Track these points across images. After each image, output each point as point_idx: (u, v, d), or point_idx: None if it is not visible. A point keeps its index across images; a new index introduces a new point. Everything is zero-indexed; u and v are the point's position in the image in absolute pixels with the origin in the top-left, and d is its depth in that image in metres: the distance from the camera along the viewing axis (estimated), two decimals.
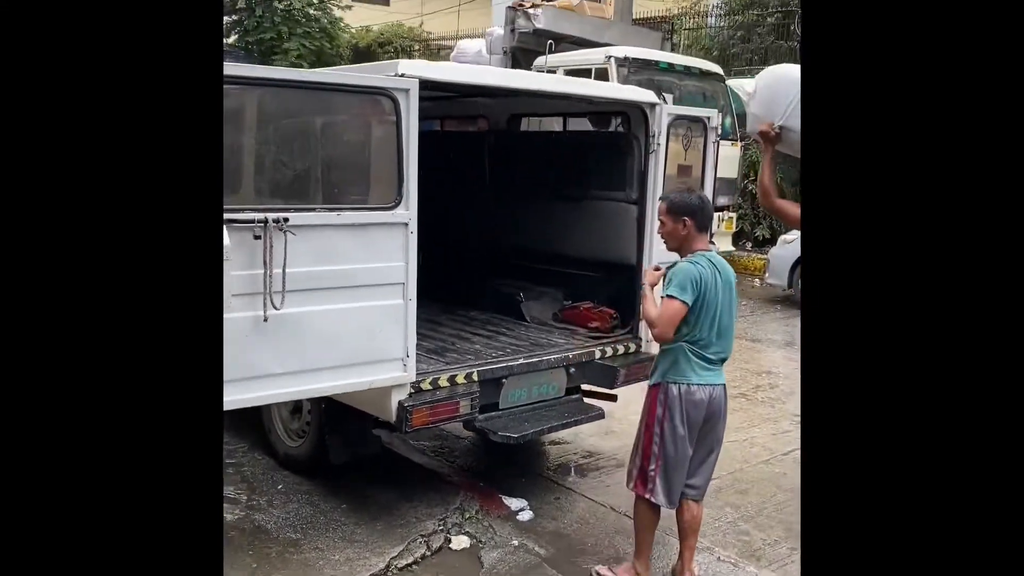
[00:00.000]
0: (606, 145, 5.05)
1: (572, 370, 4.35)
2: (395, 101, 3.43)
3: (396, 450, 4.88)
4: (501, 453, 4.80)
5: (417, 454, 4.92)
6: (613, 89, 4.41)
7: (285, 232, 3.22)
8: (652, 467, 3.36)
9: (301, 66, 17.45)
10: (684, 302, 3.19)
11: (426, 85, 3.53)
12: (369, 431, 4.19)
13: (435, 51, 18.55)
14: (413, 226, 3.56)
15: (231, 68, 3.46)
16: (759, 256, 11.45)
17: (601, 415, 4.38)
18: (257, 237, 3.19)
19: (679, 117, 4.60)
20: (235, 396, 3.29)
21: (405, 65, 3.51)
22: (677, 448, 3.32)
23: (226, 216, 3.15)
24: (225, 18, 18.22)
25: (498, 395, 4.08)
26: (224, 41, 18.26)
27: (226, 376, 3.24)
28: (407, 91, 3.43)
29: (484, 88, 4.40)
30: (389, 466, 4.66)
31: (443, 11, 16.85)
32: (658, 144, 4.46)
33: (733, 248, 11.35)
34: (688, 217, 3.31)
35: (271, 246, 3.20)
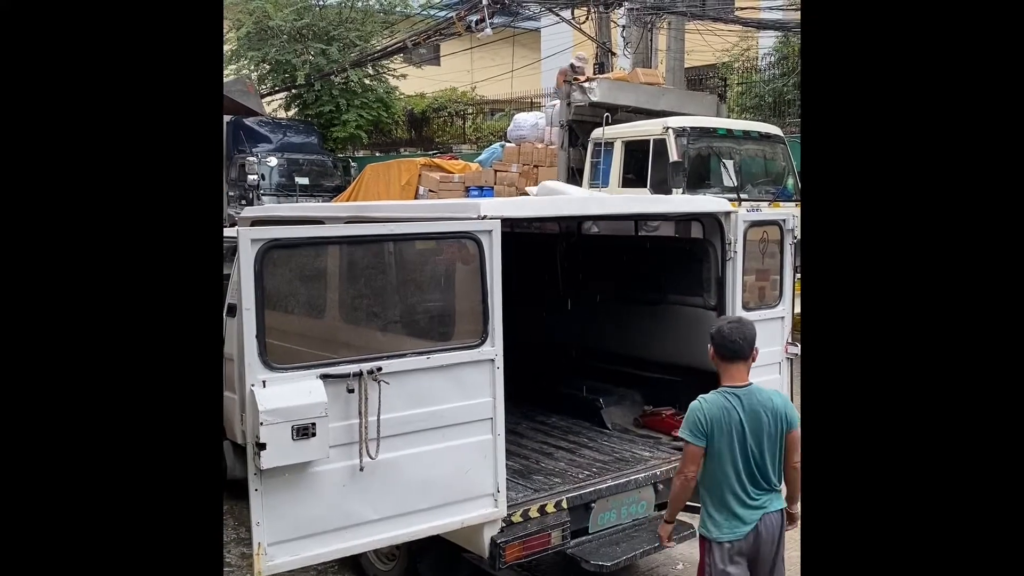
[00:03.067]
0: (682, 251, 5.03)
1: (660, 486, 4.29)
2: (479, 243, 3.50)
3: (485, 567, 4.84)
4: None
5: (506, 571, 4.87)
6: (686, 202, 4.42)
7: (379, 382, 3.27)
8: None
9: (360, 136, 17.99)
10: (693, 444, 3.12)
11: (507, 223, 3.59)
12: (460, 555, 4.18)
13: (489, 113, 18.87)
14: (499, 362, 3.59)
15: (321, 230, 3.58)
16: None
17: (693, 533, 4.28)
18: (351, 390, 3.24)
19: (755, 223, 4.57)
20: (332, 547, 3.33)
21: (487, 207, 3.58)
22: None
23: (322, 371, 3.24)
24: (284, 93, 18.88)
25: (587, 519, 4.05)
26: (285, 115, 18.88)
27: (323, 526, 3.31)
28: (490, 232, 3.50)
29: (563, 218, 4.45)
30: None
31: (495, 78, 17.16)
32: (735, 252, 4.43)
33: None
34: (711, 345, 3.22)
35: (366, 397, 3.26)
